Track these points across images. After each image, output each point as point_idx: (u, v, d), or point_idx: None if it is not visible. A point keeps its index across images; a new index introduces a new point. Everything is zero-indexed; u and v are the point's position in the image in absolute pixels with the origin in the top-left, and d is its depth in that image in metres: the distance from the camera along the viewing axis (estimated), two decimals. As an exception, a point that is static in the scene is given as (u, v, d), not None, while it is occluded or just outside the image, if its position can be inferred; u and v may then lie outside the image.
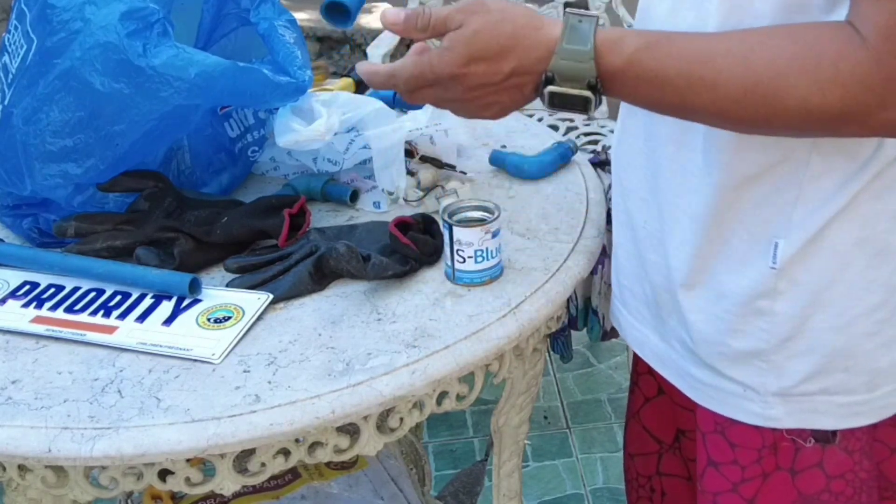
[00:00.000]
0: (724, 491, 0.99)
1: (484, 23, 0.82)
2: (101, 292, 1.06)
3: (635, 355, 1.14)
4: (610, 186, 1.46)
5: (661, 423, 1.16)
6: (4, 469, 0.93)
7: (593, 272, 1.93)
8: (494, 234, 1.04)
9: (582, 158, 1.35)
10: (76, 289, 1.07)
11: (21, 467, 0.91)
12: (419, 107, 1.33)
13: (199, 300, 1.04)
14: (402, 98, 0.88)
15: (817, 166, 0.83)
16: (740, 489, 0.98)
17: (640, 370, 1.16)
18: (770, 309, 0.88)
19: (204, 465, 0.94)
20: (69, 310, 1.03)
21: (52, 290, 1.07)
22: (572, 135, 2.27)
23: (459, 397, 1.01)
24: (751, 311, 0.89)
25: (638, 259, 1.02)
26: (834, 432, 0.92)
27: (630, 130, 1.01)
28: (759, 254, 0.87)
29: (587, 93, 0.80)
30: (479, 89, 0.83)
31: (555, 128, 2.26)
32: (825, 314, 0.88)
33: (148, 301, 1.04)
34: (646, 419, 1.18)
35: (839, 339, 0.88)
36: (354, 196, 1.24)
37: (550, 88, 0.81)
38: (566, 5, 2.38)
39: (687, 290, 0.94)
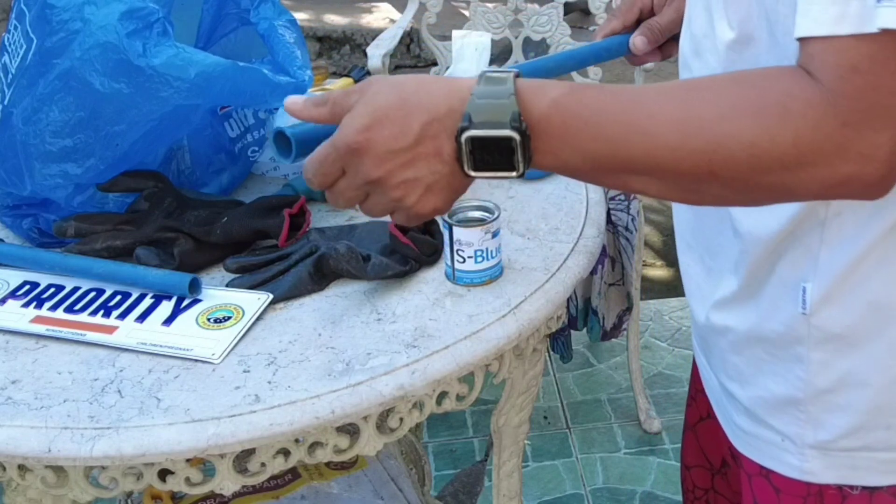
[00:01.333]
0: None
1: (381, 85, 0.72)
2: (101, 292, 1.06)
3: (695, 369, 1.12)
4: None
5: (712, 445, 1.12)
6: (4, 469, 0.93)
7: (593, 272, 1.94)
8: (494, 234, 1.04)
9: (582, 158, 1.35)
10: (76, 289, 1.07)
11: (21, 467, 0.91)
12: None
13: (199, 300, 1.04)
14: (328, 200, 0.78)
15: (837, 205, 0.78)
16: None
17: (698, 387, 1.11)
18: (806, 357, 0.83)
19: (204, 465, 0.94)
20: (69, 310, 1.03)
21: (52, 290, 1.07)
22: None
23: (459, 397, 1.01)
24: (789, 357, 0.85)
25: (687, 298, 0.99)
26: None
27: None
28: (790, 298, 0.82)
29: (512, 133, 0.68)
30: (388, 160, 0.71)
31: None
32: (865, 369, 0.82)
33: (148, 301, 1.04)
34: (701, 436, 1.15)
35: (882, 396, 0.83)
36: (354, 196, 1.24)
37: (468, 133, 0.69)
38: (566, 6, 2.39)
39: (725, 333, 0.90)
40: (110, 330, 1.00)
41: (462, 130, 0.69)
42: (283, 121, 1.18)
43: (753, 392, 0.90)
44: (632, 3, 1.10)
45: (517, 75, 0.71)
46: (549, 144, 0.70)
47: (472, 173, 0.71)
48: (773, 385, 0.87)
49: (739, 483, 1.02)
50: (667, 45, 1.11)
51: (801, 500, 0.91)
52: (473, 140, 0.69)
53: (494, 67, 0.73)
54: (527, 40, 2.42)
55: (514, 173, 0.71)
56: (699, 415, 1.14)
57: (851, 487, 0.87)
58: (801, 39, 0.65)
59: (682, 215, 0.97)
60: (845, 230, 0.78)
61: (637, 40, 1.07)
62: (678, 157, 0.67)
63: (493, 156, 0.70)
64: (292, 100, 0.77)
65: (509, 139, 0.69)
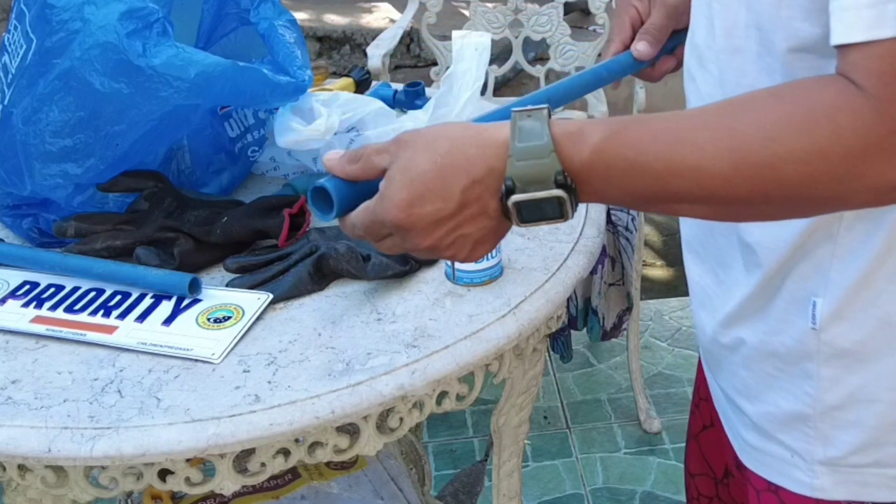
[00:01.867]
0: None
1: (413, 153, 0.71)
2: (100, 292, 1.06)
3: (698, 378, 1.11)
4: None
5: (715, 454, 1.11)
6: (4, 469, 0.92)
7: (593, 272, 1.93)
8: (494, 234, 1.04)
9: (582, 158, 1.35)
10: (76, 288, 1.07)
11: (21, 467, 0.91)
12: (420, 106, 1.34)
13: (199, 300, 1.04)
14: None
15: (849, 218, 0.77)
16: None
17: (702, 395, 1.11)
18: (816, 372, 0.82)
19: (204, 464, 0.94)
20: (69, 309, 1.03)
21: (52, 289, 1.07)
22: (572, 135, 2.27)
23: (459, 397, 1.01)
24: (798, 372, 0.84)
25: (693, 308, 0.98)
26: None
27: None
28: (800, 313, 0.81)
29: (559, 192, 0.68)
30: (436, 229, 0.71)
31: (555, 128, 2.25)
32: (876, 385, 0.81)
33: (148, 301, 1.04)
34: (703, 444, 1.14)
35: (893, 412, 0.82)
36: (354, 196, 1.24)
37: (515, 198, 0.69)
38: (566, 6, 2.38)
39: (736, 347, 0.89)
40: (110, 330, 1.00)
41: (507, 193, 0.69)
42: (284, 122, 1.18)
43: (762, 407, 0.89)
44: (622, 22, 1.09)
45: (549, 113, 0.69)
46: (593, 188, 0.69)
47: (521, 226, 0.72)
48: (781, 400, 0.86)
49: (745, 495, 1.02)
50: (679, 49, 1.09)
51: None
52: (519, 203, 0.69)
53: (526, 107, 0.70)
54: (527, 40, 2.42)
55: (562, 220, 0.70)
56: (702, 423, 1.13)
57: (862, 503, 0.86)
58: (838, 47, 0.64)
59: (690, 225, 0.96)
60: (857, 245, 0.77)
61: (639, 46, 1.06)
62: (730, 185, 0.66)
63: (540, 210, 0.70)
64: (330, 156, 0.77)
65: (558, 198, 0.68)
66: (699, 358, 1.11)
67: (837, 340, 0.81)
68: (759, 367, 0.87)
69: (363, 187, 0.76)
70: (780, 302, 0.83)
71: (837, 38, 0.64)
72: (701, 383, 1.12)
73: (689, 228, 0.96)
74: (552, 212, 0.69)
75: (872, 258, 0.77)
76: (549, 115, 0.69)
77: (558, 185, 0.68)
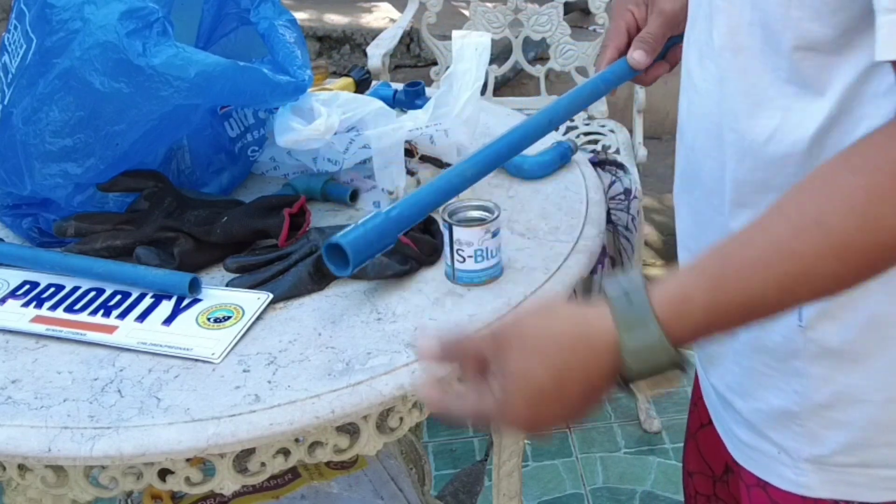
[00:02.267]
0: None
1: (525, 362, 0.70)
2: (100, 292, 1.06)
3: (697, 377, 1.11)
4: (610, 185, 1.46)
5: (713, 452, 1.11)
6: (4, 469, 0.93)
7: (593, 272, 1.93)
8: (494, 234, 1.04)
9: (582, 158, 1.35)
10: (76, 288, 1.07)
11: (21, 467, 0.91)
12: (420, 106, 1.34)
13: (199, 300, 1.04)
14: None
15: None
16: None
17: (699, 393, 1.11)
18: (804, 371, 0.83)
19: (204, 464, 0.94)
20: (69, 309, 1.03)
21: (52, 289, 1.07)
22: (572, 134, 2.27)
23: (459, 397, 1.01)
24: (787, 370, 0.84)
25: None
26: None
27: (679, 182, 0.96)
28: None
29: (673, 369, 0.69)
30: (558, 422, 0.73)
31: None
32: (865, 385, 0.81)
33: (148, 301, 1.04)
34: (702, 443, 1.14)
35: (881, 413, 0.82)
36: (354, 196, 1.24)
37: (635, 383, 0.70)
38: (566, 5, 2.39)
39: (726, 344, 0.89)
40: (110, 329, 1.00)
41: (627, 381, 0.70)
42: (284, 121, 1.18)
43: (753, 404, 0.89)
44: (618, 27, 1.09)
45: (644, 284, 0.69)
46: (708, 339, 0.70)
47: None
48: (771, 398, 0.86)
49: (738, 490, 1.02)
50: (671, 53, 1.10)
51: None
52: (635, 385, 0.70)
53: (619, 282, 0.70)
54: (527, 40, 2.42)
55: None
56: (700, 421, 1.13)
57: (847, 503, 0.86)
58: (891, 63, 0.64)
59: (684, 222, 0.96)
60: None
61: (635, 55, 1.06)
62: (843, 279, 0.66)
63: (656, 380, 0.70)
64: (426, 343, 0.76)
65: (668, 371, 0.69)
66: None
67: (824, 339, 0.81)
68: (750, 363, 0.88)
69: (378, 242, 0.74)
70: None
71: (885, 52, 0.63)
72: (698, 383, 1.12)
73: (683, 224, 0.96)
74: (670, 378, 0.70)
75: None
76: (645, 287, 0.69)
77: (674, 365, 0.68)
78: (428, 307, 1.02)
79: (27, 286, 1.08)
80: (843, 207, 0.64)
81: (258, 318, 1.01)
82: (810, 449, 0.85)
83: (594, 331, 0.69)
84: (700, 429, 1.14)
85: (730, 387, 0.92)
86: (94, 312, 1.02)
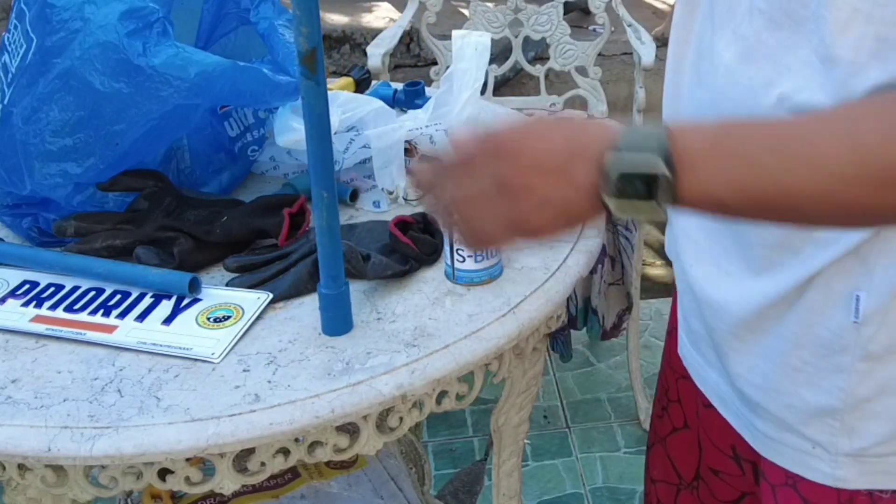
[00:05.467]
0: None
1: (512, 168, 0.69)
2: (100, 291, 1.06)
3: (666, 380, 1.10)
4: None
5: (685, 458, 1.11)
6: (4, 468, 0.93)
7: (593, 272, 1.93)
8: (494, 234, 1.04)
9: (582, 158, 1.35)
10: (76, 288, 1.07)
11: (21, 466, 0.91)
12: (419, 106, 1.34)
13: (199, 299, 1.04)
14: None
15: None
16: None
17: (671, 398, 1.11)
18: (850, 367, 0.81)
19: (203, 464, 0.94)
20: (69, 309, 1.03)
21: (52, 289, 1.07)
22: (572, 134, 2.27)
23: (459, 397, 1.01)
24: (829, 366, 0.83)
25: (692, 297, 0.95)
26: None
27: None
28: (839, 306, 0.80)
29: (657, 159, 0.64)
30: (534, 172, 0.69)
31: (554, 127, 2.25)
32: None
33: (147, 300, 1.04)
34: (671, 449, 1.13)
35: None
36: (354, 195, 1.25)
37: (612, 155, 0.66)
38: (566, 5, 2.39)
39: (755, 333, 0.87)
40: (110, 329, 1.00)
41: (608, 153, 0.66)
42: (284, 121, 1.18)
43: (783, 399, 0.87)
44: None
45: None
46: (698, 176, 0.65)
47: (608, 199, 0.67)
48: (807, 394, 0.85)
49: (719, 491, 1.00)
50: None
51: None
52: (617, 163, 0.66)
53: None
54: (527, 40, 2.42)
55: (652, 202, 0.66)
56: (671, 426, 1.12)
57: (882, 492, 0.86)
58: None
59: (688, 221, 0.93)
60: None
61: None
62: (851, 187, 0.63)
63: (633, 185, 0.65)
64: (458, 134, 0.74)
65: (655, 167, 0.65)
66: (662, 363, 1.10)
67: (879, 336, 0.79)
68: (784, 359, 0.85)
69: None
70: (816, 295, 0.81)
71: None
72: (671, 385, 1.10)
73: (689, 222, 0.93)
74: (644, 189, 0.65)
75: None
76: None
77: (660, 155, 0.64)
78: (428, 307, 1.02)
79: (27, 286, 1.08)
80: (876, 126, 0.63)
81: (258, 318, 1.01)
82: (850, 443, 0.84)
83: (591, 124, 0.69)
84: (671, 434, 1.13)
85: (754, 384, 0.90)
86: (94, 312, 1.02)
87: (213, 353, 0.95)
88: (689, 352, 1.02)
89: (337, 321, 0.98)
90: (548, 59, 2.40)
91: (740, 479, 1.04)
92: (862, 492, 0.86)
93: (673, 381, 1.09)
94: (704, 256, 0.92)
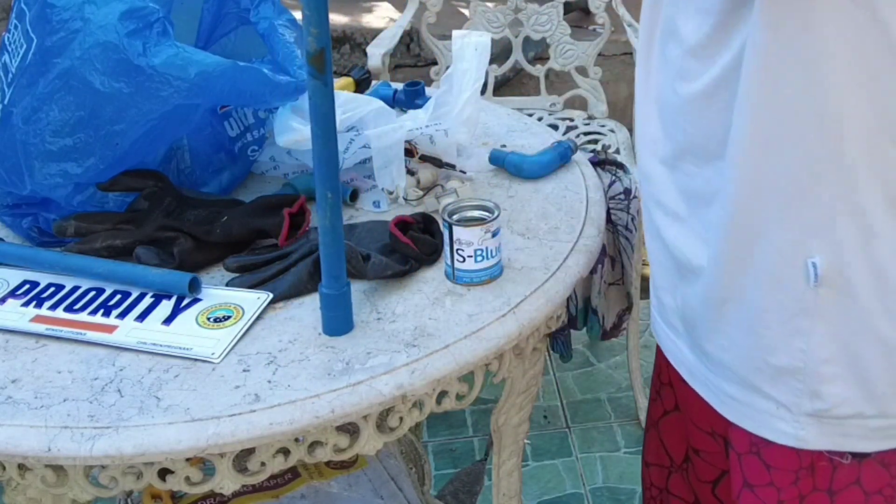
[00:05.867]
0: None
1: None
2: (100, 291, 1.06)
3: (658, 365, 1.14)
4: (610, 185, 1.46)
5: (675, 440, 1.14)
6: (4, 468, 0.93)
7: (593, 272, 1.93)
8: (494, 234, 1.04)
9: (582, 158, 1.35)
10: (76, 288, 1.07)
11: (21, 466, 0.91)
12: (420, 106, 1.34)
13: (199, 299, 1.04)
14: None
15: (848, 182, 0.80)
16: None
17: (663, 381, 1.14)
18: (810, 329, 0.86)
19: (204, 464, 0.94)
20: (69, 309, 1.03)
21: (52, 289, 1.07)
22: (572, 134, 2.27)
23: (459, 396, 1.01)
24: (790, 329, 0.87)
25: (669, 273, 1.00)
26: None
27: (650, 143, 0.98)
28: (797, 271, 0.84)
29: None
30: None
31: (554, 127, 2.26)
32: (865, 340, 0.85)
33: (148, 300, 1.04)
34: (663, 431, 1.16)
35: (879, 365, 0.86)
36: (354, 195, 1.24)
37: None
38: (566, 5, 2.39)
39: (722, 305, 0.91)
40: (110, 329, 1.00)
41: None
42: (284, 121, 1.18)
43: (750, 363, 0.91)
44: None
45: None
46: None
47: None
48: (771, 358, 0.89)
49: (710, 473, 1.03)
50: None
51: (793, 474, 0.93)
52: None
53: None
54: (527, 39, 2.42)
55: None
56: (663, 409, 1.16)
57: (841, 455, 0.90)
58: None
59: (661, 186, 0.97)
60: (859, 213, 0.81)
61: None
62: None
63: None
64: None
65: None
66: (657, 345, 1.13)
67: (835, 298, 0.84)
68: (750, 325, 0.90)
69: None
70: (775, 263, 0.86)
71: None
72: (663, 369, 1.14)
73: (659, 189, 0.97)
74: None
75: (874, 226, 0.81)
76: None
77: None
78: (428, 307, 1.02)
79: (27, 286, 1.08)
80: None
81: (258, 318, 1.01)
82: (811, 403, 0.88)
83: None
84: (663, 416, 1.16)
85: (722, 346, 0.94)
86: (94, 312, 1.02)
87: (213, 353, 0.95)
88: (660, 327, 1.06)
89: (338, 321, 0.98)
90: (548, 59, 2.40)
91: (719, 456, 1.07)
92: (823, 456, 0.91)
93: (664, 364, 1.12)
94: (682, 231, 0.96)
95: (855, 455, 0.90)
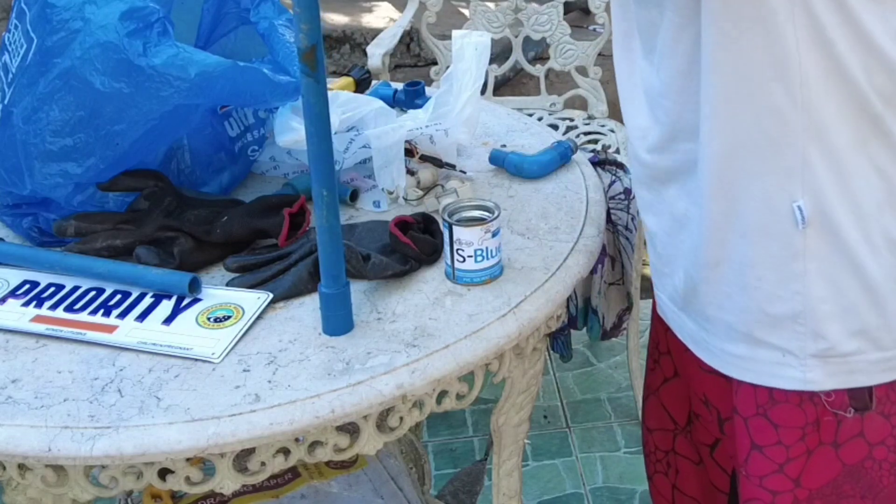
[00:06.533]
0: (769, 473, 1.00)
1: None
2: (100, 291, 1.06)
3: (655, 336, 1.18)
4: (610, 185, 1.46)
5: (677, 404, 1.18)
6: (4, 468, 0.93)
7: (593, 271, 1.93)
8: (494, 234, 1.04)
9: (582, 158, 1.35)
10: (76, 288, 1.07)
11: (21, 466, 0.91)
12: (420, 106, 1.34)
13: (199, 299, 1.04)
14: None
15: (817, 126, 0.85)
16: (786, 469, 0.99)
17: (661, 350, 1.18)
18: (803, 270, 0.90)
19: (204, 464, 0.94)
20: (69, 309, 1.03)
21: (52, 289, 1.07)
22: (572, 134, 2.27)
23: (459, 396, 1.01)
24: (785, 275, 0.91)
25: (668, 244, 1.04)
26: (871, 397, 0.94)
27: (640, 133, 1.03)
28: (783, 217, 0.89)
29: None
30: None
31: (555, 127, 2.26)
32: (853, 276, 0.89)
33: (148, 300, 1.04)
34: (664, 398, 1.20)
35: (866, 299, 0.90)
36: (354, 195, 1.24)
37: None
38: (566, 5, 2.39)
39: (716, 267, 0.95)
40: (110, 329, 1.00)
41: None
42: (284, 121, 1.18)
43: (751, 316, 0.94)
44: None
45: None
46: None
47: None
48: (768, 306, 0.93)
49: (711, 435, 1.08)
50: None
51: (800, 431, 0.97)
52: None
53: None
54: (527, 39, 2.41)
55: None
56: (663, 377, 1.19)
57: (845, 410, 0.94)
58: None
59: (652, 157, 1.00)
60: (834, 153, 0.85)
61: None
62: None
63: None
64: None
65: None
66: (653, 316, 1.17)
67: (822, 236, 0.88)
68: (744, 280, 0.93)
69: None
70: (761, 212, 0.89)
71: None
72: (661, 339, 1.18)
73: (649, 163, 1.01)
74: None
75: (850, 165, 0.86)
76: None
77: None
78: (428, 307, 1.02)
79: (27, 286, 1.08)
80: None
81: (258, 318, 1.01)
82: (815, 344, 0.92)
83: None
84: (663, 384, 1.20)
85: (722, 308, 0.97)
86: (94, 312, 1.02)
87: (213, 353, 0.95)
88: (665, 305, 1.09)
89: (337, 321, 0.98)
90: (548, 59, 2.40)
91: (713, 425, 1.12)
92: (828, 411, 0.94)
93: (662, 334, 1.16)
94: (672, 198, 0.99)
95: (857, 408, 0.94)
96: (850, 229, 0.88)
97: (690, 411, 1.17)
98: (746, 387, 0.99)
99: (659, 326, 1.16)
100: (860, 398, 0.95)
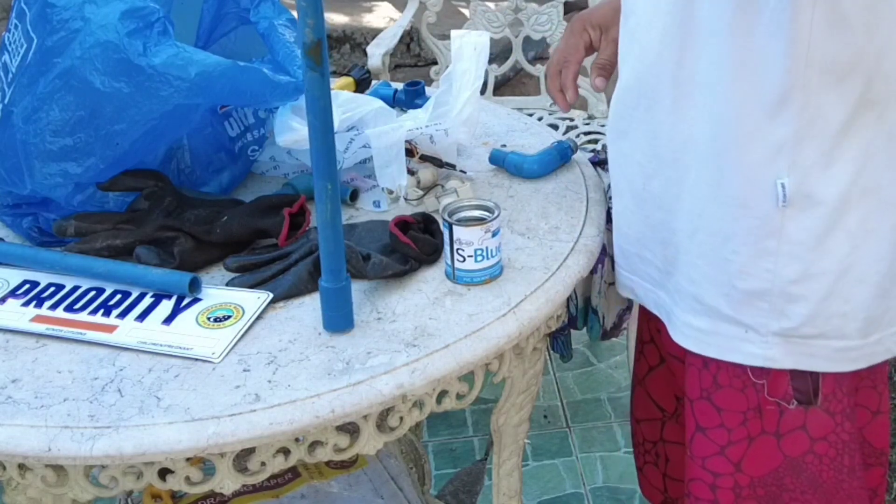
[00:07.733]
0: (711, 455, 1.02)
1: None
2: (100, 291, 1.06)
3: (640, 326, 1.19)
4: (610, 185, 1.47)
5: (664, 392, 1.20)
6: (4, 468, 0.93)
7: (593, 271, 1.93)
8: (494, 234, 1.04)
9: (582, 157, 1.35)
10: (76, 288, 1.07)
11: (21, 466, 0.91)
12: (420, 106, 1.33)
13: (199, 299, 1.04)
14: None
15: (814, 108, 0.86)
16: (727, 452, 1.01)
17: (644, 338, 1.20)
18: (776, 250, 0.91)
19: (204, 464, 0.94)
20: (69, 309, 1.03)
21: (52, 289, 1.07)
22: (572, 134, 2.27)
23: (459, 396, 1.01)
24: (757, 252, 0.92)
25: (642, 221, 1.05)
26: (816, 393, 0.96)
27: (626, 101, 1.04)
28: (764, 193, 0.90)
29: None
30: None
31: (555, 127, 2.26)
32: (827, 261, 0.91)
33: (148, 300, 1.04)
34: (650, 387, 1.22)
35: (836, 285, 0.92)
36: (354, 195, 1.24)
37: None
38: (566, 5, 2.39)
39: (692, 236, 0.97)
40: (110, 329, 1.00)
41: None
42: (284, 121, 1.18)
43: (719, 289, 0.96)
44: (577, 45, 1.22)
45: None
46: None
47: None
48: (739, 282, 0.94)
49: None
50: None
51: (742, 415, 1.00)
52: None
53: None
54: (527, 39, 2.42)
55: None
56: (648, 366, 1.22)
57: (788, 402, 0.97)
58: None
59: (634, 136, 1.02)
60: (823, 134, 0.87)
61: (597, 82, 1.22)
62: None
63: None
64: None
65: None
66: (638, 309, 1.19)
67: (802, 218, 0.90)
68: (718, 252, 0.95)
69: None
70: (743, 186, 0.91)
71: None
72: (643, 328, 1.21)
73: (631, 141, 1.03)
74: None
75: (838, 148, 0.87)
76: None
77: None
78: (428, 307, 1.03)
79: (27, 286, 1.08)
80: None
81: (258, 318, 1.01)
82: (778, 323, 0.94)
83: None
84: (648, 373, 1.22)
85: (693, 280, 0.99)
86: (94, 312, 1.02)
87: (213, 353, 0.95)
88: (638, 284, 1.11)
89: (338, 317, 0.98)
90: (548, 58, 2.40)
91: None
92: (769, 401, 0.97)
93: (645, 323, 1.18)
94: (651, 173, 1.01)
95: (801, 402, 0.97)
96: (828, 214, 0.89)
97: (677, 397, 1.18)
98: (693, 370, 1.01)
99: (642, 317, 1.18)
100: (804, 391, 0.97)
